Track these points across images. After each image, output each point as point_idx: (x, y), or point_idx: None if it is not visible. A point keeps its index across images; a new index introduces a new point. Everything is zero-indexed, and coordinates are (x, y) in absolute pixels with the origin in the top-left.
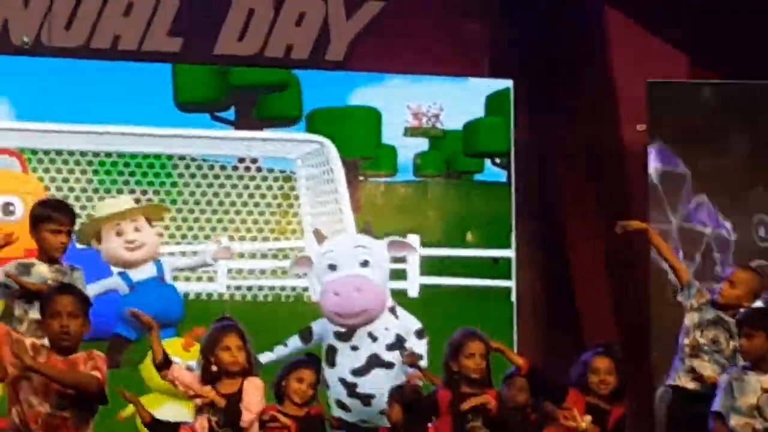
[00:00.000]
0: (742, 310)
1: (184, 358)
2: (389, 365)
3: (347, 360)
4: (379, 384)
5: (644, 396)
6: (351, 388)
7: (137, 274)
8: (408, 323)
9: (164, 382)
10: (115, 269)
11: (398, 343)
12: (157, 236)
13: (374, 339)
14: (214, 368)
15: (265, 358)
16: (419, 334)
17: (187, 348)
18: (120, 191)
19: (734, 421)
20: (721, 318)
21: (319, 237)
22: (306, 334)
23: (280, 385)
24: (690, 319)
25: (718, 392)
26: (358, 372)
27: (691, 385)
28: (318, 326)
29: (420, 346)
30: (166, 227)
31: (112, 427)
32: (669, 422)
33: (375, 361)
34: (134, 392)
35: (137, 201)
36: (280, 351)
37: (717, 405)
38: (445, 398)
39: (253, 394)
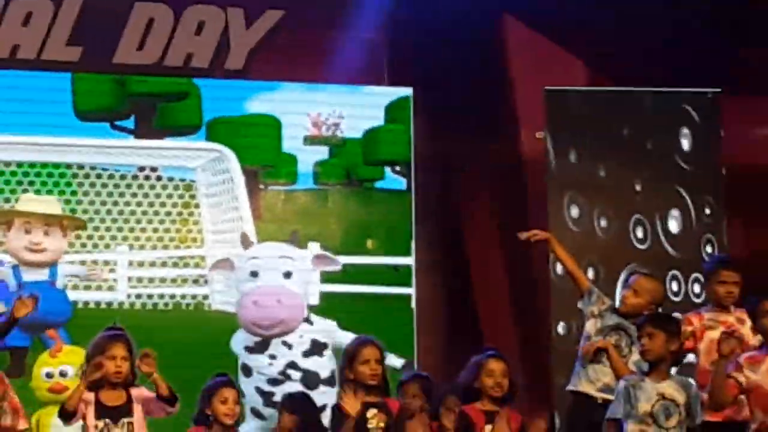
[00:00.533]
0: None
1: (55, 366)
2: (305, 372)
3: (264, 369)
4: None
5: (542, 403)
6: (267, 397)
7: (29, 275)
8: (325, 326)
9: (45, 393)
10: (8, 260)
11: (314, 349)
12: (64, 246)
13: (289, 347)
14: (97, 375)
15: None
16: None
17: (53, 354)
18: (16, 200)
19: (630, 427)
20: (622, 324)
21: (246, 242)
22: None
23: (205, 413)
24: (591, 325)
25: (615, 398)
26: (275, 381)
27: (591, 390)
28: (236, 347)
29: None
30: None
31: None
32: (569, 427)
33: (292, 369)
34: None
35: None
36: None
37: (613, 411)
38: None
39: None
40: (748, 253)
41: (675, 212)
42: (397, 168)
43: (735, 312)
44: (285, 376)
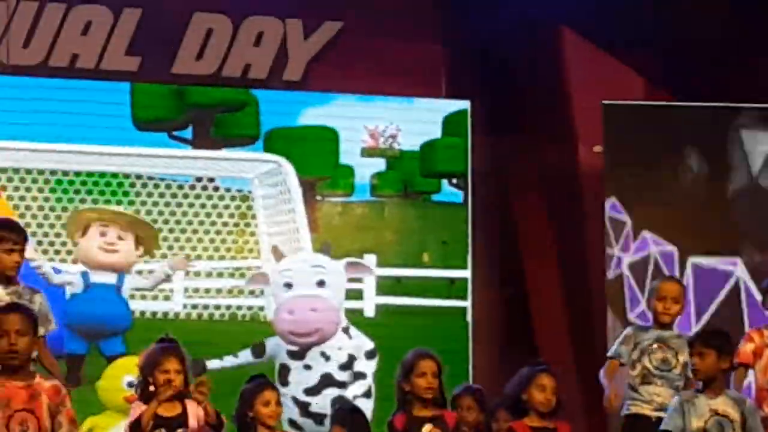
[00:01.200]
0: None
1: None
2: (342, 385)
3: (300, 379)
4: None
5: (596, 419)
6: (304, 408)
7: (97, 277)
8: (361, 343)
9: (120, 400)
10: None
11: (350, 363)
12: (136, 255)
13: (327, 358)
14: (151, 388)
15: (212, 364)
16: (369, 354)
17: None
18: (77, 210)
19: None
20: (662, 336)
21: (277, 255)
22: (258, 350)
23: (246, 414)
24: (632, 355)
25: (668, 412)
26: (311, 391)
27: (646, 411)
28: (271, 343)
29: (369, 367)
30: None
31: None
32: None
33: (328, 381)
34: (91, 410)
35: None
36: (229, 361)
37: (666, 423)
38: (400, 422)
39: (202, 419)
40: None
41: None
42: (454, 181)
43: None
44: (322, 385)
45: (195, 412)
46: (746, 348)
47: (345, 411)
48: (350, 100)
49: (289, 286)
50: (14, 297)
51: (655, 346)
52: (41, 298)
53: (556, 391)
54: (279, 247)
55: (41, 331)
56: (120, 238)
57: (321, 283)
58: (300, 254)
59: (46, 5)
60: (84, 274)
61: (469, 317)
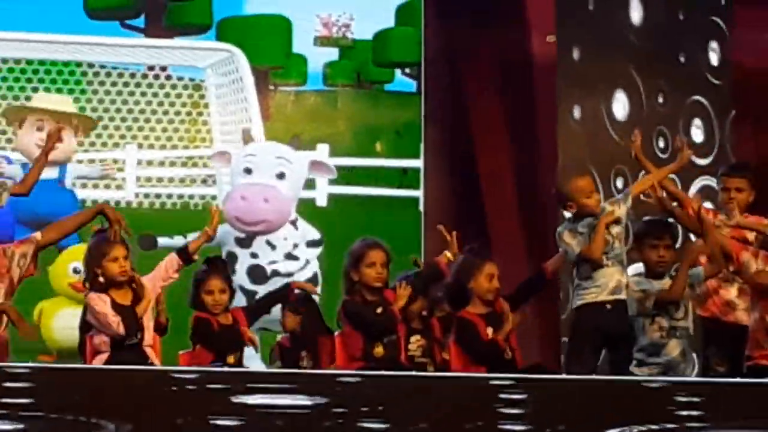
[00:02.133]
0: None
1: None
2: (288, 274)
3: (247, 266)
4: None
5: (546, 306)
6: (251, 296)
7: None
8: (306, 233)
9: (65, 286)
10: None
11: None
12: (74, 146)
13: (273, 247)
14: (101, 279)
15: (163, 241)
16: (312, 243)
17: None
18: (28, 98)
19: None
20: (592, 223)
21: (247, 137)
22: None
23: (197, 302)
24: (575, 244)
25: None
26: (257, 280)
27: (601, 297)
28: (220, 230)
29: (310, 254)
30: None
31: None
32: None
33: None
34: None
35: None
36: (180, 240)
37: None
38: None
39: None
40: (757, 157)
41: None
42: (407, 70)
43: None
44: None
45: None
46: None
47: (297, 298)
48: None
49: (248, 171)
50: None
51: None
52: None
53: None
54: (250, 132)
55: None
56: None
57: (281, 176)
58: (267, 142)
59: None
60: (24, 168)
61: (421, 206)
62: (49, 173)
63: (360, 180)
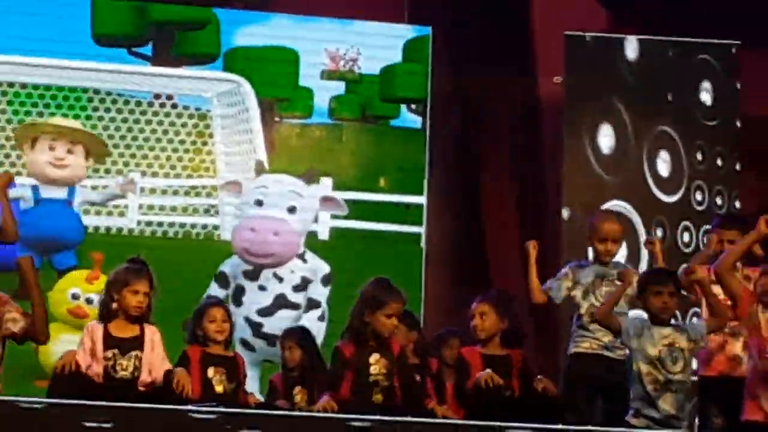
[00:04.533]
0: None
1: (84, 290)
2: (295, 306)
3: (254, 299)
4: (284, 325)
5: (548, 354)
6: (256, 328)
7: (47, 191)
8: (316, 267)
9: (64, 312)
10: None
11: (303, 285)
12: (85, 167)
13: (280, 280)
14: (114, 306)
15: None
16: (325, 279)
17: (90, 280)
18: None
19: (641, 367)
20: (600, 271)
21: (260, 168)
22: (221, 280)
23: (196, 333)
24: (576, 295)
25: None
26: (264, 312)
27: (593, 347)
28: (227, 267)
29: (323, 293)
30: None
31: None
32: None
33: (281, 302)
34: None
35: None
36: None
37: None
38: (350, 350)
39: (159, 345)
40: (761, 206)
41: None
42: (413, 106)
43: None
44: (275, 307)
45: (151, 338)
46: None
47: (300, 332)
48: (312, 22)
49: (259, 203)
50: None
51: (597, 281)
52: None
53: (493, 316)
54: (264, 162)
55: None
56: (69, 151)
57: (292, 210)
58: (280, 175)
59: None
60: (34, 189)
61: (423, 243)
62: (58, 194)
63: (363, 214)
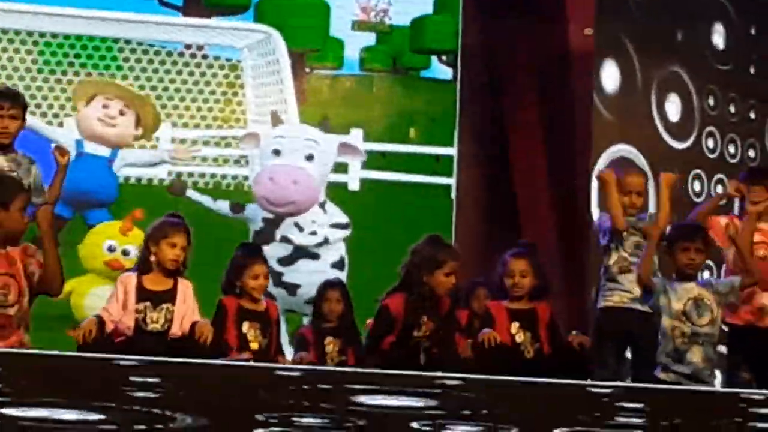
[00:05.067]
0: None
1: (120, 242)
2: (315, 256)
3: (274, 249)
4: (304, 274)
5: (578, 294)
6: (277, 277)
7: (91, 147)
8: (335, 218)
9: (100, 264)
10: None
11: (323, 235)
12: (134, 134)
13: (301, 230)
14: (152, 258)
15: (190, 194)
16: (339, 225)
17: (124, 232)
18: (64, 72)
19: (666, 323)
20: (629, 220)
21: (275, 120)
22: (237, 206)
23: (234, 284)
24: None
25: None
26: (284, 261)
27: (625, 300)
28: (251, 208)
29: (336, 235)
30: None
31: None
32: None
33: (301, 252)
34: (69, 273)
35: None
36: (205, 200)
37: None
38: (396, 304)
39: (191, 298)
40: None
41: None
42: (444, 58)
43: None
44: (295, 256)
45: (184, 291)
46: None
47: (335, 281)
48: None
49: (277, 153)
50: (13, 165)
51: (625, 233)
52: (37, 169)
53: (527, 273)
54: (278, 113)
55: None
56: (121, 113)
57: (310, 158)
58: (296, 125)
59: None
60: (78, 142)
61: (453, 194)
62: (102, 150)
63: (393, 165)
